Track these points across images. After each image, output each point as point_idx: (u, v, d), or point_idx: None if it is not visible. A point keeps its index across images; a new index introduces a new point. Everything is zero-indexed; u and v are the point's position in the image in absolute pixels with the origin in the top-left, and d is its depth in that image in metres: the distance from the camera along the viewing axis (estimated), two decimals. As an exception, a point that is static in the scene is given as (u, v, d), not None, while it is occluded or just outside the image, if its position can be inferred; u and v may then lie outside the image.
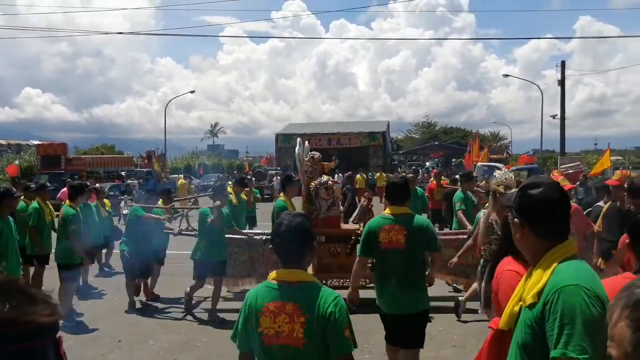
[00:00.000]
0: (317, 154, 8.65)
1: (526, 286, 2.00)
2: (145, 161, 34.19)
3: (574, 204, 5.71)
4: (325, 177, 8.20)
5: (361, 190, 25.55)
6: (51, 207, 8.63)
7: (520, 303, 2.03)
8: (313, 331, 2.48)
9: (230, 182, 13.07)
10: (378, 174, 26.34)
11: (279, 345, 2.50)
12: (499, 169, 22.34)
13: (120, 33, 52.67)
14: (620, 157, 32.20)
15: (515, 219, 2.07)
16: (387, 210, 4.63)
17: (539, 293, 1.89)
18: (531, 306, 1.91)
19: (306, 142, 8.86)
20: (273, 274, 2.66)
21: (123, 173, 30.49)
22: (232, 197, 9.38)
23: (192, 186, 24.14)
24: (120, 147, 54.21)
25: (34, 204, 8.30)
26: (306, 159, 8.39)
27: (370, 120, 58.71)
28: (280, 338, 2.50)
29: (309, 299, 2.53)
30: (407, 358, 4.52)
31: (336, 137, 42.32)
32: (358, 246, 5.07)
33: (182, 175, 26.83)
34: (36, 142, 42.62)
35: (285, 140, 42.83)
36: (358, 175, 27.19)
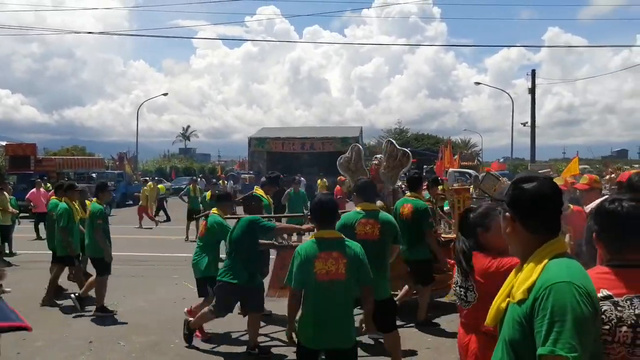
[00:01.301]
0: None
1: (515, 282, 1.99)
2: (117, 163, 33.85)
3: (578, 207, 5.71)
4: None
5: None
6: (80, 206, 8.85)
7: (508, 299, 2.03)
8: (351, 268, 3.85)
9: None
10: (319, 180, 26.35)
11: (329, 279, 3.81)
12: (470, 175, 22.70)
13: (91, 33, 52.12)
14: (587, 166, 32.87)
15: (507, 213, 2.06)
16: (359, 207, 5.16)
17: (529, 289, 1.87)
18: (520, 302, 1.89)
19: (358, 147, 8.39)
20: (314, 235, 4.00)
21: (94, 175, 30.11)
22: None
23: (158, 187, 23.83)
24: (91, 150, 53.46)
25: (63, 204, 8.41)
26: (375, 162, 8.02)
27: (343, 125, 58.93)
28: (329, 274, 3.81)
29: (346, 248, 3.91)
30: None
31: (310, 141, 42.37)
32: None
33: (147, 179, 26.52)
34: (4, 143, 41.72)
35: (258, 144, 42.75)
36: (319, 181, 27.36)
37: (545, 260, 1.91)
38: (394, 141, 8.01)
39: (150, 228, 18.99)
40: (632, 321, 2.01)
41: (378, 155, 8.10)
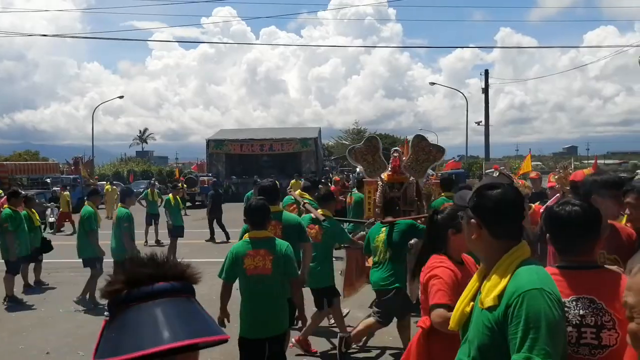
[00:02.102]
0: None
1: (483, 288, 2.02)
2: (72, 168, 33.04)
3: (539, 205, 5.73)
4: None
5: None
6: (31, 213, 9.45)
7: (472, 304, 2.09)
8: (277, 264, 4.27)
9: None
10: (294, 180, 26.33)
11: (257, 274, 4.25)
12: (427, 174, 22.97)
13: (45, 35, 50.77)
14: (539, 163, 33.74)
15: (472, 220, 2.07)
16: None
17: (500, 296, 1.91)
18: (491, 309, 1.92)
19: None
20: (247, 235, 4.42)
21: (48, 180, 29.34)
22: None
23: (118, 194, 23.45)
24: (45, 154, 52.08)
25: (89, 208, 8.76)
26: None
27: (301, 126, 58.95)
28: (257, 269, 4.25)
29: (274, 246, 4.34)
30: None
31: (269, 143, 42.21)
32: None
33: (107, 182, 26.02)
34: (-49, 148, 40.23)
35: (216, 146, 42.34)
36: (292, 181, 27.26)
37: (514, 266, 1.95)
38: (425, 136, 8.23)
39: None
40: (577, 321, 2.12)
41: (397, 148, 8.20)
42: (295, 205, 7.58)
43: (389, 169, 7.69)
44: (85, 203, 9.17)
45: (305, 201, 7.40)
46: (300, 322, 4.86)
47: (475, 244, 2.09)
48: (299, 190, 7.76)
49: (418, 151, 7.82)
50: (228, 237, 15.31)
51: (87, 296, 8.49)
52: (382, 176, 7.70)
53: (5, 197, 9.86)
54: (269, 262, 4.27)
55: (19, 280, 9.10)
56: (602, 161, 50.79)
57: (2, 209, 8.97)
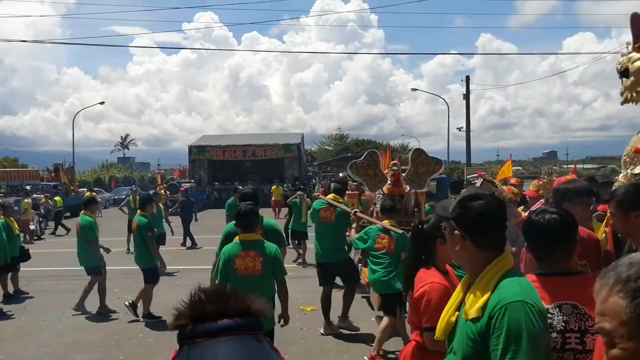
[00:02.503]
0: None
1: (467, 300, 2.03)
2: (53, 175, 32.66)
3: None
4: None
5: (276, 202, 25.67)
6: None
7: (457, 313, 2.10)
8: (267, 265, 4.58)
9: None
10: (274, 186, 26.30)
11: (248, 274, 4.53)
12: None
13: (24, 41, 50.24)
14: (520, 167, 34.11)
15: (456, 231, 2.07)
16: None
17: (483, 307, 1.92)
18: (474, 320, 1.94)
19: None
20: (238, 237, 4.70)
21: (28, 187, 28.96)
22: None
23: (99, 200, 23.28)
24: (24, 160, 51.37)
25: (88, 218, 8.67)
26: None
27: (284, 132, 59.01)
28: (247, 270, 4.54)
29: (263, 248, 4.65)
30: None
31: (251, 148, 42.14)
32: None
33: (87, 189, 25.78)
34: None
35: (199, 152, 42.16)
36: (273, 187, 27.23)
37: (497, 277, 1.97)
38: (423, 149, 8.79)
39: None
40: (561, 327, 2.16)
41: (395, 162, 8.47)
42: (330, 209, 7.50)
43: (389, 182, 7.89)
44: (82, 212, 8.98)
45: (357, 210, 7.50)
46: (282, 320, 4.91)
47: (459, 255, 2.10)
48: (332, 194, 7.80)
49: (418, 164, 8.18)
50: (194, 244, 15.87)
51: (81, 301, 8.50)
52: (383, 189, 7.91)
53: None
54: (259, 263, 4.60)
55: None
56: (581, 166, 51.49)
57: None
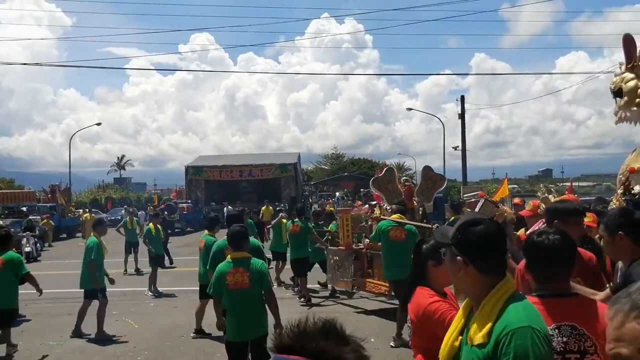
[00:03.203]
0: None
1: (472, 325, 2.03)
2: (49, 196, 32.57)
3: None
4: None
5: (267, 223, 25.52)
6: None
7: (460, 338, 2.10)
8: (253, 279, 5.07)
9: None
10: (264, 207, 26.04)
11: (237, 288, 5.05)
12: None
13: (25, 64, 50.36)
14: (516, 186, 34.20)
15: (458, 257, 2.05)
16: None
17: (489, 333, 1.92)
18: (480, 346, 1.93)
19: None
20: (229, 255, 5.23)
21: (24, 209, 28.84)
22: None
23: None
24: (21, 182, 51.10)
25: (94, 239, 8.48)
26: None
27: (281, 152, 59.09)
28: (237, 284, 5.05)
29: (250, 265, 5.13)
30: None
31: (248, 168, 42.22)
32: None
33: (82, 211, 25.69)
34: None
35: (196, 173, 42.20)
36: (263, 207, 27.05)
37: (501, 302, 1.97)
38: (430, 166, 10.17)
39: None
40: (561, 348, 2.19)
41: (405, 178, 9.86)
42: (399, 228, 8.08)
43: (403, 196, 9.00)
44: (92, 234, 8.87)
45: (438, 224, 8.00)
46: (277, 330, 4.98)
47: (462, 281, 2.09)
48: (396, 214, 8.35)
49: (427, 180, 9.30)
50: (171, 262, 16.03)
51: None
52: (387, 202, 9.08)
53: None
54: (247, 278, 5.09)
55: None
56: (576, 183, 51.71)
57: None
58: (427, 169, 9.66)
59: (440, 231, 2.23)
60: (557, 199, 5.95)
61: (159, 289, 11.70)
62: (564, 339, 2.20)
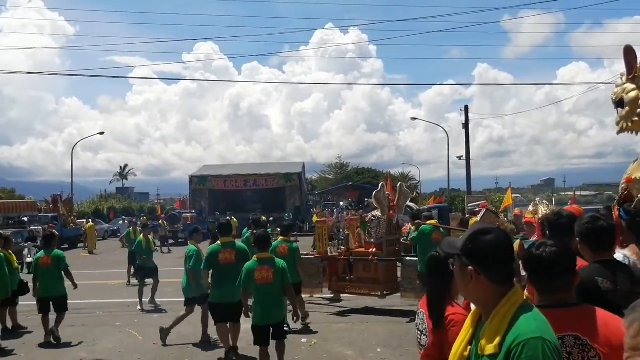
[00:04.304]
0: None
1: (482, 335, 2.04)
2: (51, 206, 32.55)
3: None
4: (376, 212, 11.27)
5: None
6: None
7: (470, 348, 2.11)
8: (277, 275, 6.30)
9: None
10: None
11: (264, 282, 6.26)
12: (411, 207, 23.21)
13: (29, 73, 50.73)
14: (519, 195, 34.10)
15: (469, 267, 2.05)
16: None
17: (500, 344, 1.93)
18: (491, 356, 1.95)
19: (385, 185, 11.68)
20: (256, 256, 6.49)
21: (25, 219, 28.84)
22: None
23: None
24: (22, 191, 51.23)
25: (193, 247, 8.78)
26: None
27: (285, 161, 59.15)
28: (264, 279, 6.27)
29: (274, 263, 6.42)
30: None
31: (253, 178, 42.26)
32: None
33: (86, 220, 25.63)
34: None
35: (200, 182, 42.25)
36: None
37: (512, 312, 1.98)
38: (403, 183, 11.92)
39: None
40: (565, 359, 2.19)
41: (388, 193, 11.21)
42: (439, 231, 10.40)
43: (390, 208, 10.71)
44: (189, 242, 9.09)
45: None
46: (295, 318, 7.07)
47: (472, 291, 2.09)
48: (434, 220, 11.22)
49: (401, 195, 11.08)
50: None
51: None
52: (376, 214, 10.85)
53: None
54: (271, 274, 6.35)
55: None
56: (578, 193, 51.57)
57: None
58: (401, 185, 11.51)
59: (447, 242, 2.21)
60: (548, 210, 5.98)
61: (156, 300, 11.81)
62: (568, 350, 2.21)
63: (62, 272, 8.98)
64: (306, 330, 8.85)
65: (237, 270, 6.69)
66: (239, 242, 7.56)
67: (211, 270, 7.42)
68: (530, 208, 6.76)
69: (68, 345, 8.42)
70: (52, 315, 8.76)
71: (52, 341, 8.46)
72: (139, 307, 11.25)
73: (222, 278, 7.21)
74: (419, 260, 9.91)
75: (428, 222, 10.47)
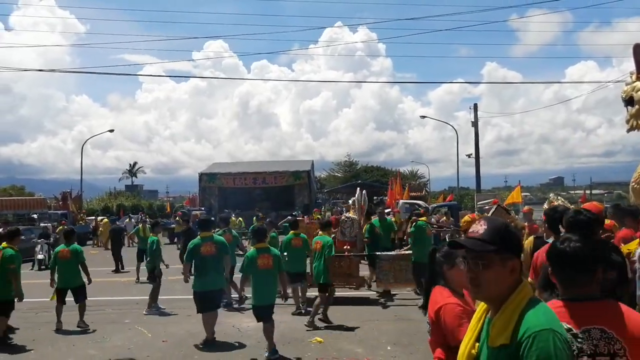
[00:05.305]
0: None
1: (494, 327, 2.07)
2: (60, 203, 32.73)
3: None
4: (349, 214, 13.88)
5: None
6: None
7: (477, 345, 2.14)
8: (275, 262, 7.58)
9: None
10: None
11: (265, 268, 7.47)
12: (419, 205, 23.17)
13: (40, 70, 51.02)
14: (528, 193, 33.97)
15: (511, 260, 2.08)
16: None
17: (512, 335, 1.98)
18: (502, 347, 1.99)
19: (364, 191, 14.52)
20: (255, 246, 7.80)
21: (35, 216, 29.01)
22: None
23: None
24: (31, 188, 51.67)
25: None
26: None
27: (294, 159, 59.14)
28: (265, 266, 7.48)
29: (272, 252, 7.71)
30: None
31: (262, 176, 42.32)
32: None
33: (100, 216, 25.69)
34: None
35: (209, 180, 42.35)
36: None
37: (522, 306, 2.02)
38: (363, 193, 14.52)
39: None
40: (591, 351, 2.25)
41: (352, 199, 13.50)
42: (429, 228, 12.36)
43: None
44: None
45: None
46: (284, 296, 7.90)
47: (502, 283, 2.08)
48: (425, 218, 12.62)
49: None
50: (122, 268, 17.52)
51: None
52: (351, 214, 13.54)
53: None
54: (271, 261, 7.53)
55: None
56: (588, 191, 51.34)
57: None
58: (362, 194, 14.00)
59: (472, 242, 2.16)
60: (565, 204, 5.97)
61: (159, 304, 11.52)
62: (594, 342, 2.26)
63: (79, 266, 9.71)
64: (313, 328, 8.86)
65: (218, 260, 8.41)
66: (217, 236, 9.01)
67: (193, 261, 8.48)
68: (546, 205, 6.73)
69: (77, 342, 8.46)
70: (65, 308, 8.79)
71: (78, 328, 9.25)
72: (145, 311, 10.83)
73: (205, 268, 8.29)
74: (414, 251, 11.32)
75: (420, 218, 12.16)
